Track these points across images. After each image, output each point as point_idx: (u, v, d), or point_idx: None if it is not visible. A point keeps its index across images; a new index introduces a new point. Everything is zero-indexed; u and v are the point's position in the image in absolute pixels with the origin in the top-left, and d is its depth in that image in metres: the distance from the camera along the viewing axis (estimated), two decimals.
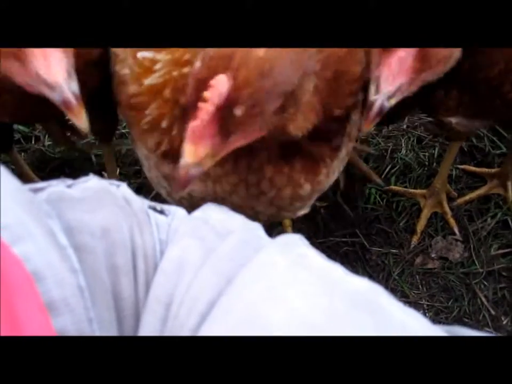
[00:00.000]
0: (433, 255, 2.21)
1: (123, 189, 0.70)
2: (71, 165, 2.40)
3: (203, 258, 0.62)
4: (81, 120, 1.06)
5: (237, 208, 0.95)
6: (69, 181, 0.67)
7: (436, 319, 2.07)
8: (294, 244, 0.65)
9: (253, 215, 1.34)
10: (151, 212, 0.69)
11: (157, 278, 0.63)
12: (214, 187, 1.27)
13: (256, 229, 0.70)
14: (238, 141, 1.00)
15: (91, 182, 0.68)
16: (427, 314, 2.10)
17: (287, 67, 0.96)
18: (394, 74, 1.15)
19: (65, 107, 1.05)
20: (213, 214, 0.71)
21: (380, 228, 2.25)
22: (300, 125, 1.10)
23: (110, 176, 2.13)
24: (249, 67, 0.93)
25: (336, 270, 0.61)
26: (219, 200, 1.27)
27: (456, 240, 2.24)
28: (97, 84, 1.38)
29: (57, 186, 0.64)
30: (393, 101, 1.18)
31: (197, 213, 0.73)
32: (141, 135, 1.28)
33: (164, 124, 1.18)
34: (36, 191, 0.62)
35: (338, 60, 1.10)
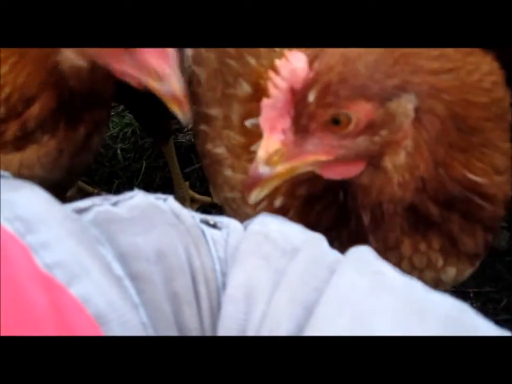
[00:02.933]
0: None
1: (171, 203, 0.64)
2: None
3: (273, 282, 0.58)
4: (186, 113, 1.08)
5: None
6: (113, 198, 0.62)
7: (483, 309, 1.93)
8: (367, 260, 0.61)
9: None
10: (204, 227, 0.64)
11: (225, 306, 0.58)
12: None
13: (320, 241, 0.65)
14: (313, 151, 0.87)
15: (137, 198, 0.63)
16: (474, 304, 1.96)
17: (373, 67, 0.84)
18: None
19: (173, 100, 1.07)
20: (272, 226, 0.65)
21: None
22: (400, 163, 0.89)
23: (174, 172, 2.14)
24: (332, 53, 0.86)
25: (417, 288, 0.58)
26: None
27: (502, 227, 2.06)
28: None
29: (102, 206, 0.60)
30: None
31: (255, 225, 0.66)
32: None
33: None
34: (80, 211, 0.59)
35: (461, 83, 0.87)
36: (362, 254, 0.63)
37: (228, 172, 1.18)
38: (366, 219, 0.97)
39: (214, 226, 0.66)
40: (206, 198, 2.17)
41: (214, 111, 1.23)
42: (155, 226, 0.59)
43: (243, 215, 1.14)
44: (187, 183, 2.20)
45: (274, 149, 0.86)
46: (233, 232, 0.65)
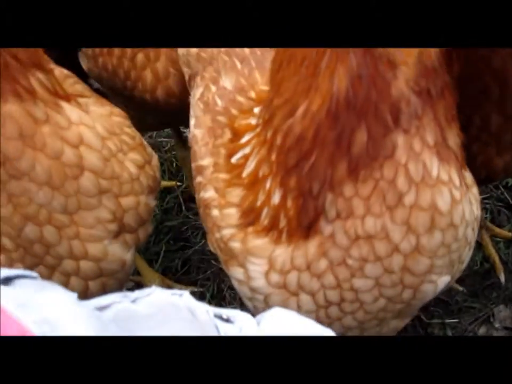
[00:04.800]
0: (497, 325, 1.99)
1: (186, 298, 0.67)
2: None
3: None
4: None
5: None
6: (132, 295, 0.65)
7: None
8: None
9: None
10: (218, 322, 0.66)
11: None
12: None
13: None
14: None
15: (154, 295, 0.66)
16: None
17: None
18: None
19: None
20: (286, 323, 0.68)
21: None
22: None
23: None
24: None
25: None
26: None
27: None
28: None
29: (121, 303, 0.63)
30: None
31: (267, 323, 0.69)
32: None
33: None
34: (101, 309, 0.61)
35: None
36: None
37: (215, 212, 1.21)
38: None
39: (228, 320, 0.68)
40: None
41: (206, 161, 1.30)
42: (169, 321, 0.63)
43: (229, 252, 1.18)
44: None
45: None
46: (246, 327, 0.67)
